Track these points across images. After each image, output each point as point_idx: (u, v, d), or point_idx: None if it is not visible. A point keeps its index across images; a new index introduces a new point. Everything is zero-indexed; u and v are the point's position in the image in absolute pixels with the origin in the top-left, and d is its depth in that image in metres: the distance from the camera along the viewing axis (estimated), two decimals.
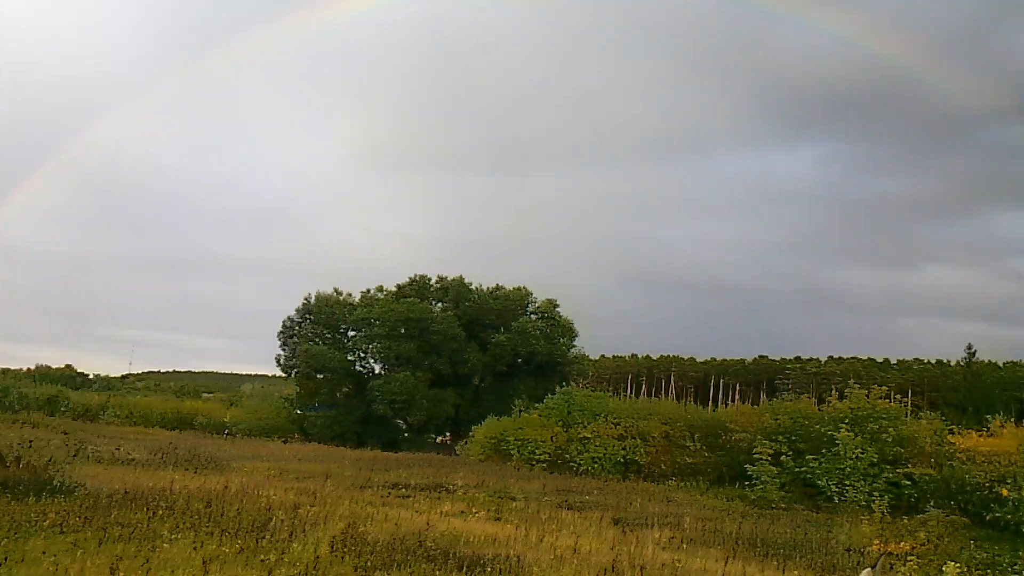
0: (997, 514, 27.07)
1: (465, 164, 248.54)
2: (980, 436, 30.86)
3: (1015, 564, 18.16)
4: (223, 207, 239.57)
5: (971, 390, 47.27)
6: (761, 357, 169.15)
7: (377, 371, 64.57)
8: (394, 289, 67.18)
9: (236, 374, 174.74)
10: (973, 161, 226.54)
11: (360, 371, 65.33)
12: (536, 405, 44.60)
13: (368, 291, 66.87)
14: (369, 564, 11.62)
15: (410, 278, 68.41)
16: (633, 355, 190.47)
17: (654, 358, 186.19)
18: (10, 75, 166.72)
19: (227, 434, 55.19)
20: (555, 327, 64.85)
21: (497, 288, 67.30)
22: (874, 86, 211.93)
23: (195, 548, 11.49)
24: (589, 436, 39.14)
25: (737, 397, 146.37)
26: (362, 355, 65.19)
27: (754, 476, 32.65)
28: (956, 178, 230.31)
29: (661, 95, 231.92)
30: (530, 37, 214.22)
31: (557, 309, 66.05)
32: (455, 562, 12.29)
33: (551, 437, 40.02)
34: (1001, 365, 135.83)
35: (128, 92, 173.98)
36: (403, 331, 61.43)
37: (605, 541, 16.96)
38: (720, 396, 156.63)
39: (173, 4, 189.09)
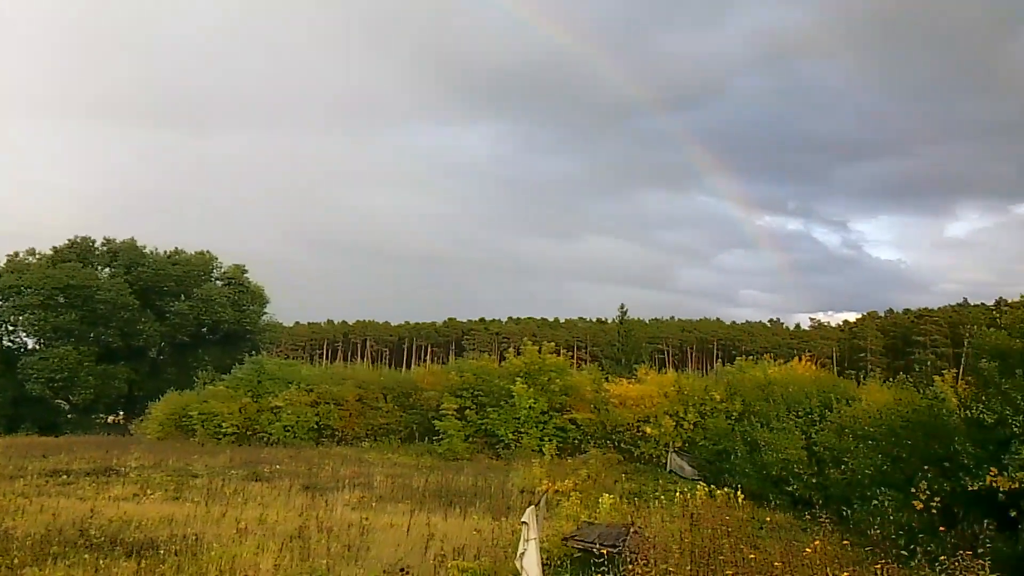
0: (642, 450, 31.76)
1: (136, 114, 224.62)
2: (630, 383, 35.47)
3: (656, 491, 21.47)
4: None
5: (624, 344, 54.30)
6: (451, 320, 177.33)
7: (31, 346, 56.40)
8: (50, 252, 58.89)
9: None
10: (625, 146, 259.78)
11: (8, 346, 56.57)
12: (223, 376, 42.39)
13: (16, 255, 57.83)
14: (17, 561, 10.36)
15: (70, 240, 60.42)
16: (329, 321, 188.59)
17: (350, 324, 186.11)
18: None
19: None
20: (244, 294, 61.68)
21: (176, 252, 62.08)
22: (544, 71, 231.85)
23: None
24: (281, 405, 38.27)
25: (429, 358, 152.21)
26: (10, 328, 56.41)
27: (441, 431, 34.46)
28: (612, 160, 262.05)
29: (351, 61, 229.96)
30: None
31: (246, 275, 62.87)
32: (124, 548, 11.44)
33: (240, 409, 38.46)
34: (647, 322, 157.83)
35: None
36: (62, 300, 54.20)
37: (294, 509, 16.88)
38: (413, 358, 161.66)
39: None
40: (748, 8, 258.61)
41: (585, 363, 52.88)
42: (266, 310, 63.79)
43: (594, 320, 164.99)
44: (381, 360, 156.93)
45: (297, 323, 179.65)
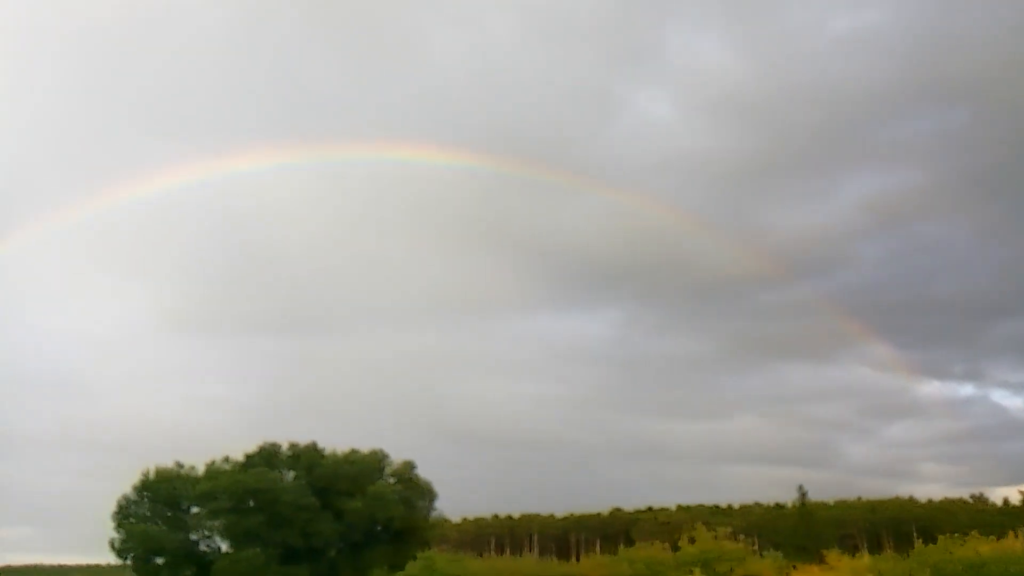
0: None
1: (273, 326, 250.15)
2: (820, 570, 32.85)
3: None
4: (16, 379, 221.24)
5: (807, 529, 50.40)
6: (616, 509, 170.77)
7: (224, 549, 59.83)
8: (242, 459, 63.76)
9: (63, 566, 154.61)
10: (751, 320, 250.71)
11: (204, 551, 60.26)
12: (396, 574, 42.95)
13: (213, 462, 63.01)
14: None
15: (259, 446, 65.21)
16: (495, 515, 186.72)
17: (515, 517, 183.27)
18: None
19: None
20: (414, 490, 63.32)
21: (352, 452, 65.44)
22: (657, 254, 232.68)
23: None
24: None
25: (598, 549, 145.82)
26: (207, 533, 60.40)
27: None
28: (740, 335, 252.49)
29: (467, 261, 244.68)
30: (308, 205, 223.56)
31: (415, 471, 64.84)
32: None
33: None
34: (831, 504, 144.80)
35: None
36: (251, 504, 57.91)
37: None
38: (581, 549, 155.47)
39: None
40: (855, 179, 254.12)
41: (765, 550, 49.22)
42: (435, 506, 64.85)
43: (772, 504, 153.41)
44: (549, 552, 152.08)
45: (464, 518, 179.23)
